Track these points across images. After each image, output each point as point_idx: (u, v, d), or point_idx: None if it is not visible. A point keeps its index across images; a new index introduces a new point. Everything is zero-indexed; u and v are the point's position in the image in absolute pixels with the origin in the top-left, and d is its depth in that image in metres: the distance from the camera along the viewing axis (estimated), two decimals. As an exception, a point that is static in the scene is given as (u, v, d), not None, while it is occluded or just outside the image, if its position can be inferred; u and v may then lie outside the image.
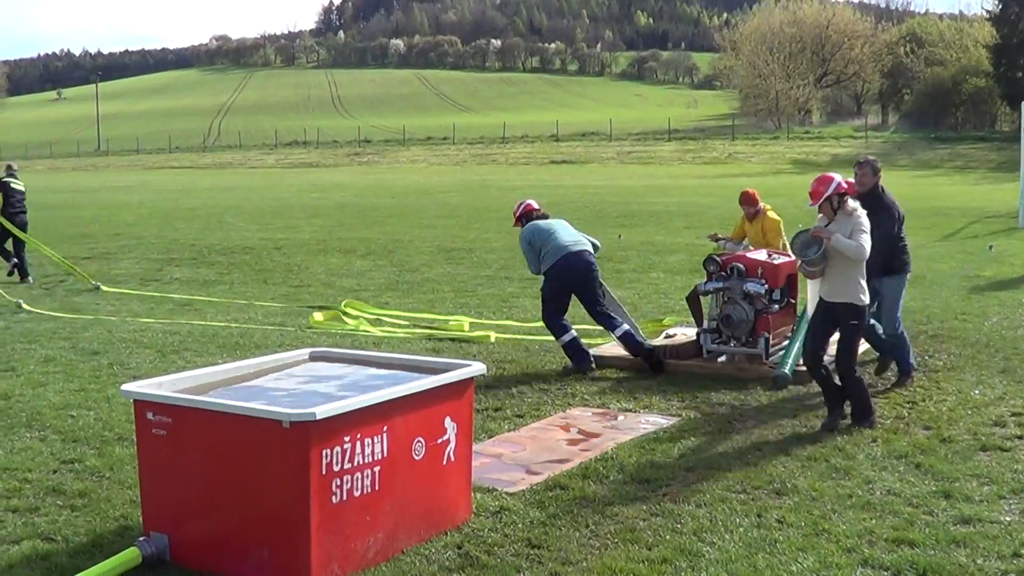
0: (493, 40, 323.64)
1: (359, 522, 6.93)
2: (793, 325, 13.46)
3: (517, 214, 14.13)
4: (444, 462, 7.65)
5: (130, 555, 6.91)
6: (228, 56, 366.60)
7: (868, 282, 10.58)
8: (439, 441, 7.58)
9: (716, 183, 54.19)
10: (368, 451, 6.94)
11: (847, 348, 10.46)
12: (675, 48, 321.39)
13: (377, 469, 7.03)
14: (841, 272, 10.29)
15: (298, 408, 6.71)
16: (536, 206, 14.10)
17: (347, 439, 6.77)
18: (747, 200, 15.40)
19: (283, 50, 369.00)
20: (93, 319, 17.39)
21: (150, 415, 7.07)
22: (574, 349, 13.29)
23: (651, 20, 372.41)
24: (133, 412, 7.27)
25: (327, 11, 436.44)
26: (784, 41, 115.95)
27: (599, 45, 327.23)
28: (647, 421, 10.66)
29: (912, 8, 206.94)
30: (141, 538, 7.13)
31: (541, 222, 13.78)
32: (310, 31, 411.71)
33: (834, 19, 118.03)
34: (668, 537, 7.53)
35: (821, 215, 10.46)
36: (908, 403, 11.30)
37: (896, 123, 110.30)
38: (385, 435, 7.07)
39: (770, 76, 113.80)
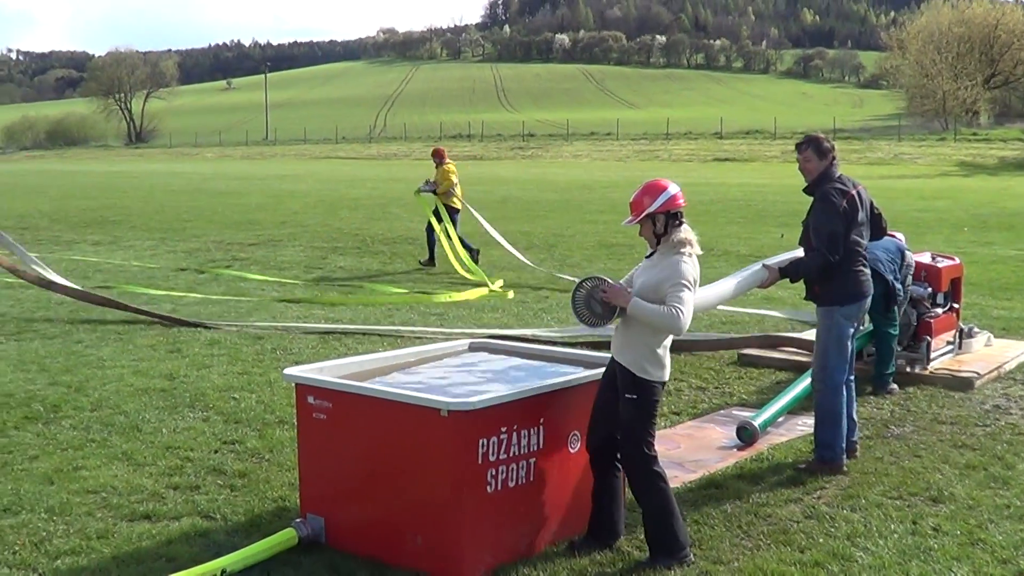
0: (658, 36, 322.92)
1: (512, 513, 6.95)
2: (956, 330, 13.17)
3: None
4: (599, 456, 7.58)
5: (286, 536, 7.03)
6: (395, 49, 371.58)
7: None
8: (595, 435, 7.52)
9: (880, 184, 52.98)
10: (524, 442, 6.95)
11: (628, 435, 7.07)
12: (841, 46, 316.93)
13: (532, 461, 7.04)
14: (628, 327, 7.08)
15: (456, 397, 6.77)
16: None
17: (504, 429, 6.79)
18: (435, 154, 23.25)
19: (449, 43, 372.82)
20: (258, 303, 17.71)
21: (311, 399, 7.17)
22: None
23: (817, 18, 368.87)
24: (294, 396, 7.40)
25: (493, 5, 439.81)
26: (952, 41, 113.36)
27: (764, 42, 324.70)
28: (804, 423, 10.48)
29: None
30: (298, 519, 7.26)
31: None
32: (475, 25, 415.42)
33: (1003, 19, 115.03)
34: (821, 540, 7.42)
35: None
36: (1074, 412, 10.99)
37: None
38: (541, 427, 7.08)
39: (937, 76, 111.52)
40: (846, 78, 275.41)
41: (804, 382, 10.75)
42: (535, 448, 7.04)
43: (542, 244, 27.41)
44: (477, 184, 57.97)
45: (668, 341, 7.08)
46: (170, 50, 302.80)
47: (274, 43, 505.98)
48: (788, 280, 9.57)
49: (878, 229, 9.67)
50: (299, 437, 7.48)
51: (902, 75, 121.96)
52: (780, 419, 10.56)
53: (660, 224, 7.09)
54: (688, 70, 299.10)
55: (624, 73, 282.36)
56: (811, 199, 9.38)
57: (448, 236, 22.24)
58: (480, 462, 6.67)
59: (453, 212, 22.70)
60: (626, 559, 7.09)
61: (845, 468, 9.03)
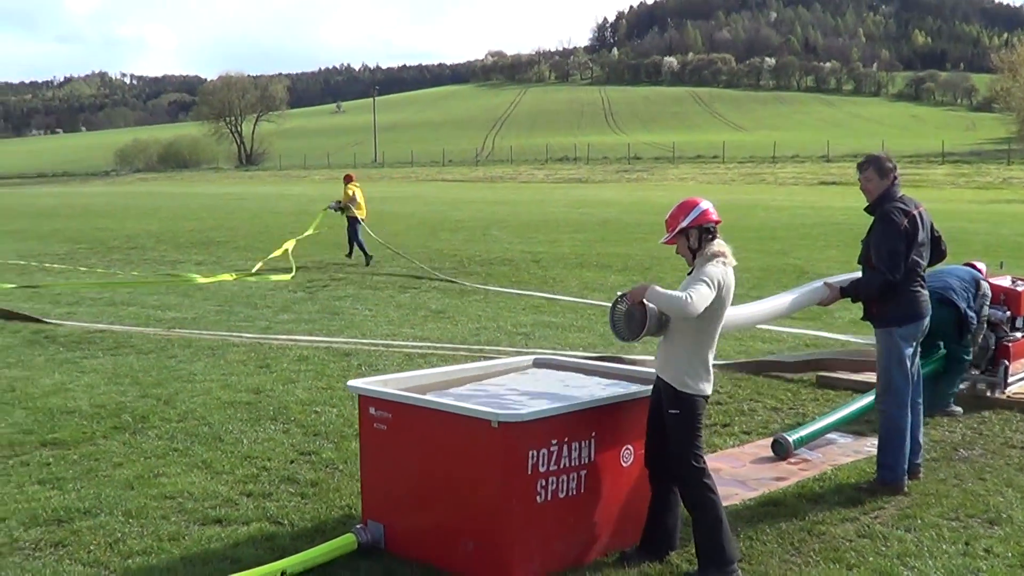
0: (767, 58, 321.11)
1: (562, 523, 7.14)
2: None
3: None
4: (653, 471, 7.76)
5: (346, 541, 7.33)
6: (503, 72, 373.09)
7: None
8: (649, 450, 7.69)
9: (987, 208, 52.54)
10: (575, 455, 7.16)
11: (675, 449, 7.28)
12: (954, 68, 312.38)
13: (583, 473, 7.24)
14: (668, 337, 7.34)
15: (510, 409, 7.01)
16: None
17: (554, 442, 7.00)
18: (345, 177, 30.73)
19: (557, 66, 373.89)
20: (349, 322, 18.07)
21: (373, 410, 7.48)
22: None
23: (929, 39, 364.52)
24: (358, 406, 7.70)
25: (601, 28, 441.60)
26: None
27: (875, 65, 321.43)
28: (871, 443, 10.51)
29: None
30: (359, 525, 7.55)
31: None
32: (584, 48, 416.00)
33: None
34: (871, 559, 7.52)
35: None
36: None
37: None
38: (593, 440, 7.28)
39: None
40: (958, 101, 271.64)
41: (854, 404, 10.94)
42: (586, 461, 7.24)
43: (637, 266, 27.48)
44: (579, 206, 58.15)
45: (710, 355, 7.24)
46: (280, 74, 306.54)
47: (383, 67, 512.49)
48: (849, 299, 9.58)
49: (937, 251, 9.66)
50: (361, 446, 7.79)
51: (1013, 98, 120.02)
52: (845, 439, 10.67)
53: (694, 239, 7.31)
54: (798, 92, 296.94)
55: (733, 96, 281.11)
56: (872, 219, 9.37)
57: (312, 230, 31.04)
58: (529, 472, 6.88)
59: (355, 221, 29.16)
60: (675, 571, 7.28)
61: (906, 489, 9.08)
